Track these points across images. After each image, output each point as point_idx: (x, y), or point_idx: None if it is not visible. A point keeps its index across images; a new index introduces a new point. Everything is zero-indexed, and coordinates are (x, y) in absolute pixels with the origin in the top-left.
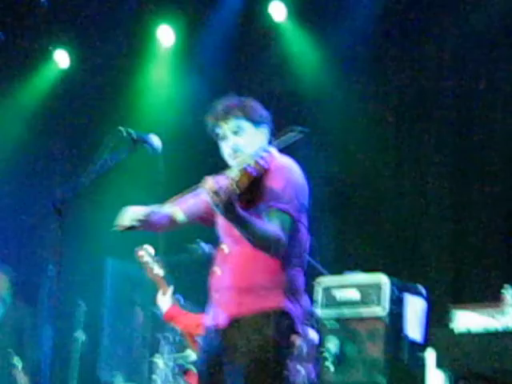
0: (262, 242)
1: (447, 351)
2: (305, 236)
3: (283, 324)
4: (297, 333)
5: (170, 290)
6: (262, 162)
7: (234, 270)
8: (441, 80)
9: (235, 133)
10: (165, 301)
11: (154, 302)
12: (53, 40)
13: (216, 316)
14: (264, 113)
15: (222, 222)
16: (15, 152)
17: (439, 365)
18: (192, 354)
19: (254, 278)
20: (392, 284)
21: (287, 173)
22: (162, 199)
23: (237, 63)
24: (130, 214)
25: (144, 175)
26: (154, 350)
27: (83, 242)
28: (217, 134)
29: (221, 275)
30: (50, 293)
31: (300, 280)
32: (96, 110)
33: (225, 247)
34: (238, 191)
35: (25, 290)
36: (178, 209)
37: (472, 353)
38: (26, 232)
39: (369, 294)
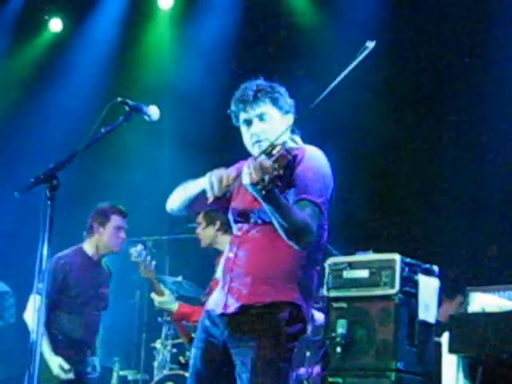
0: (295, 231)
1: (462, 335)
2: (327, 231)
3: (293, 318)
4: (305, 331)
5: (166, 291)
6: (292, 153)
7: (252, 257)
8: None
9: (261, 119)
10: (166, 301)
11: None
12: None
13: (224, 302)
14: (290, 100)
15: (238, 207)
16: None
17: (454, 350)
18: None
19: (272, 267)
20: (404, 263)
21: (318, 164)
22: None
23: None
24: (224, 178)
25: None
26: (154, 334)
27: (77, 223)
28: (239, 118)
29: (236, 260)
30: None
31: (316, 277)
32: (94, 77)
33: (240, 233)
34: (280, 177)
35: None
36: None
37: (489, 336)
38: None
39: (380, 274)
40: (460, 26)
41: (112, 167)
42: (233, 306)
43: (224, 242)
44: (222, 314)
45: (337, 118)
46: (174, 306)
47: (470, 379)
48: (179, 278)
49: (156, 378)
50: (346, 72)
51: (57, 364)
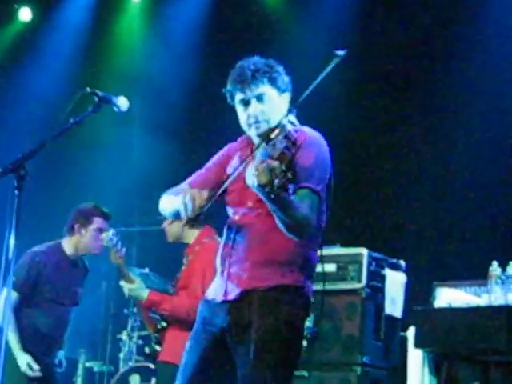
0: (295, 226)
1: (428, 329)
2: (326, 214)
3: (298, 302)
4: (309, 313)
5: (136, 278)
6: (293, 138)
7: (251, 241)
8: None
9: (259, 99)
10: (136, 288)
11: (119, 275)
12: None
13: (224, 289)
14: (287, 79)
15: (234, 191)
16: None
17: (419, 344)
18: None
19: (272, 251)
20: (371, 257)
21: (318, 150)
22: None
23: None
24: (196, 198)
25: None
26: (120, 325)
27: (45, 212)
28: (235, 98)
29: (234, 245)
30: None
31: (315, 257)
32: (64, 66)
33: (237, 217)
34: (290, 180)
35: None
36: (186, 186)
37: (454, 331)
38: None
39: (347, 268)
40: (429, 26)
41: (81, 155)
42: (233, 292)
43: (190, 235)
44: (223, 302)
45: (306, 110)
46: (144, 293)
47: (435, 374)
48: (146, 270)
49: (122, 370)
50: (317, 82)
51: (25, 362)
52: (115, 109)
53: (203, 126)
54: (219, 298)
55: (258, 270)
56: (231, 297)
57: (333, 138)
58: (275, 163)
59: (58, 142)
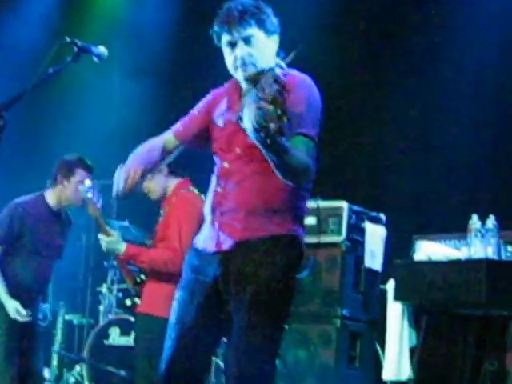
0: (294, 174)
1: (407, 282)
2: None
3: (293, 252)
4: (301, 264)
5: (114, 232)
6: (282, 82)
7: (243, 189)
8: None
9: (246, 41)
10: (114, 241)
11: (99, 228)
12: None
13: (215, 238)
14: (276, 21)
15: (221, 138)
16: None
17: (399, 297)
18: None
19: (266, 199)
20: (351, 211)
21: (309, 94)
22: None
23: None
24: (129, 178)
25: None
26: (100, 278)
27: (25, 162)
28: (222, 39)
29: (224, 194)
30: None
31: (306, 205)
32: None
33: (226, 164)
34: (286, 121)
35: None
36: (170, 135)
37: (433, 284)
38: None
39: (327, 221)
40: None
41: (60, 102)
42: (227, 242)
43: (171, 187)
44: (215, 252)
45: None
46: (122, 247)
47: (414, 327)
48: (126, 223)
49: (101, 323)
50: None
51: (13, 307)
52: (94, 59)
53: (187, 71)
54: (211, 248)
55: (251, 220)
56: (224, 247)
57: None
58: (270, 106)
59: (38, 91)
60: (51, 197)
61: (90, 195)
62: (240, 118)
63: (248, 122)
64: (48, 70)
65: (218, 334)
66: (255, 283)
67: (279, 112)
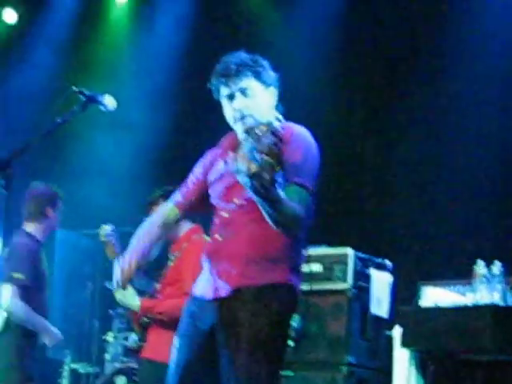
0: (286, 223)
1: (414, 329)
2: (313, 209)
3: (289, 299)
4: (296, 310)
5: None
6: (279, 135)
7: (241, 237)
8: None
9: (243, 93)
10: (128, 297)
11: (105, 276)
12: None
13: (214, 286)
14: (273, 73)
15: (219, 188)
16: None
17: (406, 344)
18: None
19: (263, 247)
20: (357, 257)
21: (306, 144)
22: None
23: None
24: (125, 270)
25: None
26: (106, 326)
27: None
28: (221, 92)
29: (223, 242)
30: None
31: (303, 254)
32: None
33: (224, 213)
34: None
35: None
36: (172, 206)
37: (440, 330)
38: None
39: (333, 268)
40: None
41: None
42: (224, 289)
43: (180, 230)
44: (213, 299)
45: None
46: (137, 303)
47: (421, 373)
48: None
49: (108, 371)
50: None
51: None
52: (102, 108)
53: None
54: (208, 295)
55: (249, 268)
56: (222, 294)
57: (317, 134)
58: (264, 157)
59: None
60: (38, 231)
61: (111, 239)
62: (237, 170)
63: (243, 171)
64: (56, 120)
65: (217, 379)
66: (251, 330)
67: (274, 162)
